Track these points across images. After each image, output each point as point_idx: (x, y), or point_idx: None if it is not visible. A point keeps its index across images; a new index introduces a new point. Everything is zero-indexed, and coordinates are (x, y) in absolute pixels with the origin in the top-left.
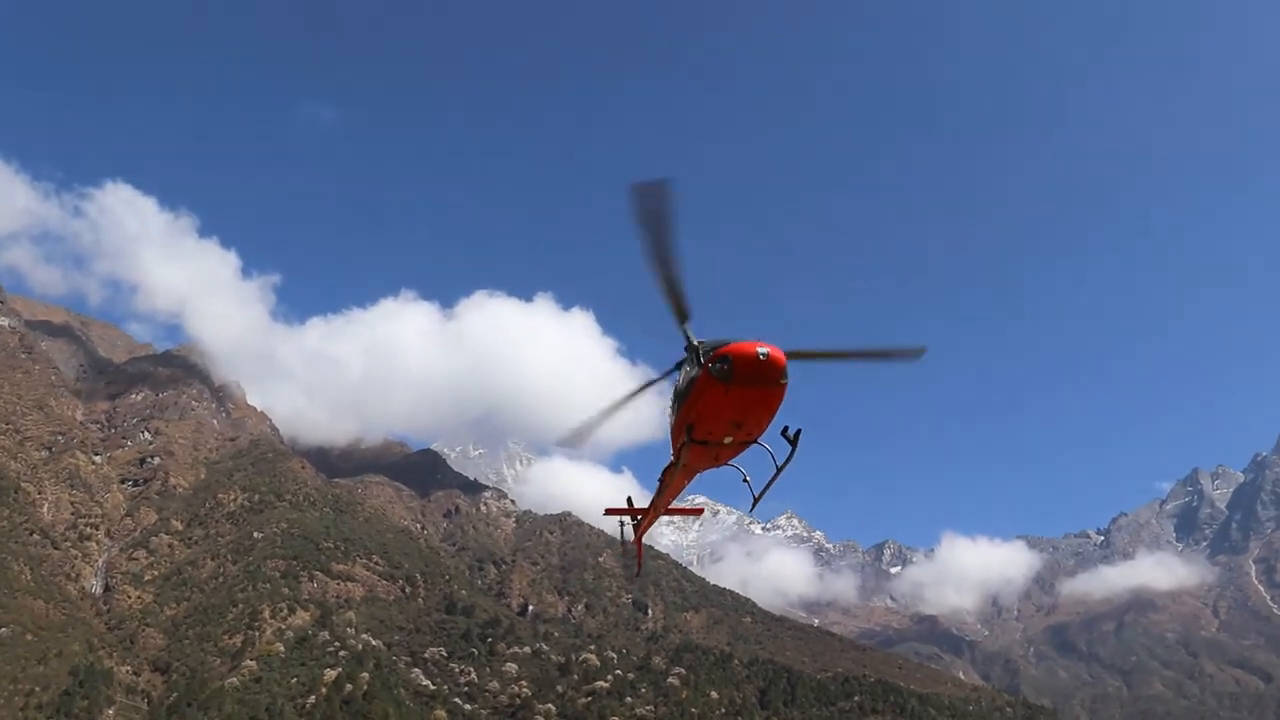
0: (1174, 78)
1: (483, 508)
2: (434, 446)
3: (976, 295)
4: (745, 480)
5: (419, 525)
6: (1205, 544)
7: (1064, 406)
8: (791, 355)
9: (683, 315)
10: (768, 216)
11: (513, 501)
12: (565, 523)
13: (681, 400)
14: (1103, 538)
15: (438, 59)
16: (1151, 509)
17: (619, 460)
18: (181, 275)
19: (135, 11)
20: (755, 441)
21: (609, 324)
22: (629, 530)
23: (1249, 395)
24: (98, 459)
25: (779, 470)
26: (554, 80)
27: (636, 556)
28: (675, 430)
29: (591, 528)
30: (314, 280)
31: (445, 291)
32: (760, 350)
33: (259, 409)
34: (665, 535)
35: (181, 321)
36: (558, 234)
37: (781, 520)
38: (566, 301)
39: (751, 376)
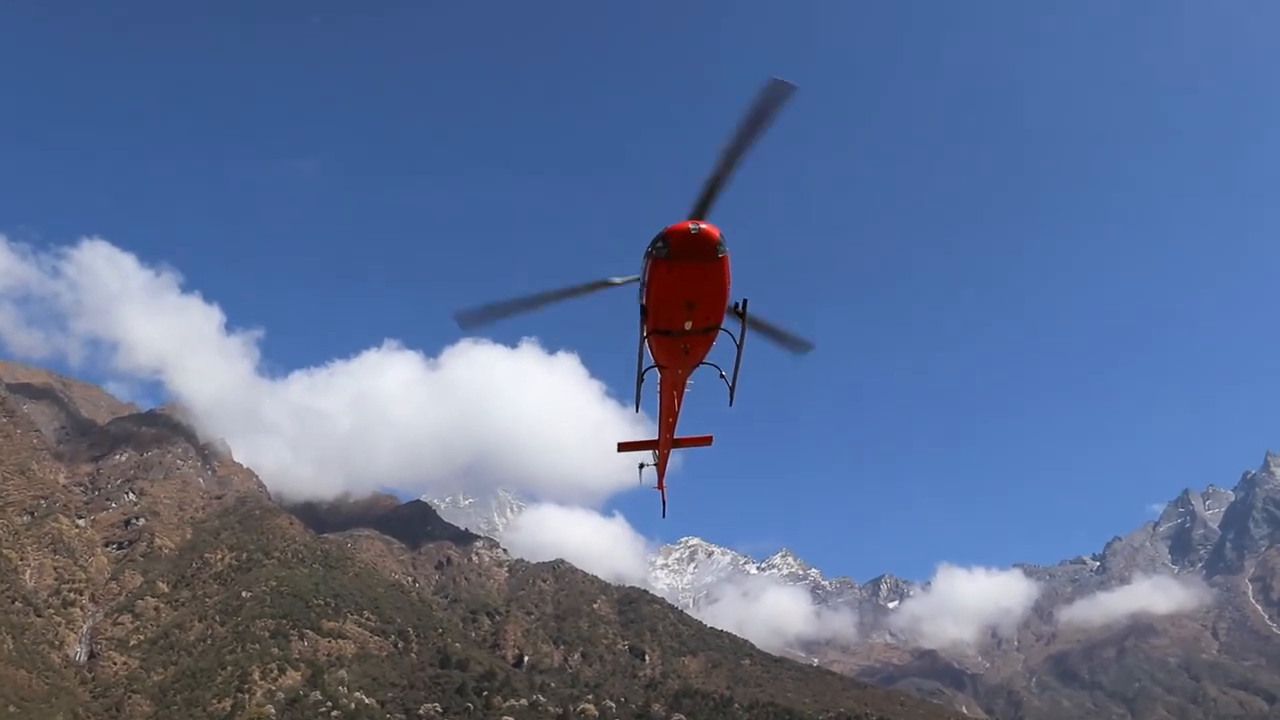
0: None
1: (474, 558)
2: (423, 498)
3: (960, 323)
4: (721, 375)
5: (410, 578)
6: (1201, 565)
7: (1051, 432)
8: (698, 206)
9: (602, 284)
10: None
11: (504, 550)
12: (558, 570)
13: (641, 296)
14: (1098, 563)
15: (417, 110)
16: (1145, 532)
17: (611, 505)
18: (163, 332)
19: (109, 68)
20: (717, 328)
21: (596, 366)
22: (650, 475)
23: (1235, 413)
24: (81, 522)
25: (739, 345)
26: (533, 135)
27: (661, 498)
28: (645, 337)
29: (585, 574)
30: (296, 333)
31: (429, 340)
32: (692, 226)
33: (245, 466)
34: (660, 579)
35: (164, 379)
36: (540, 278)
37: (776, 559)
38: (552, 345)
39: (687, 250)
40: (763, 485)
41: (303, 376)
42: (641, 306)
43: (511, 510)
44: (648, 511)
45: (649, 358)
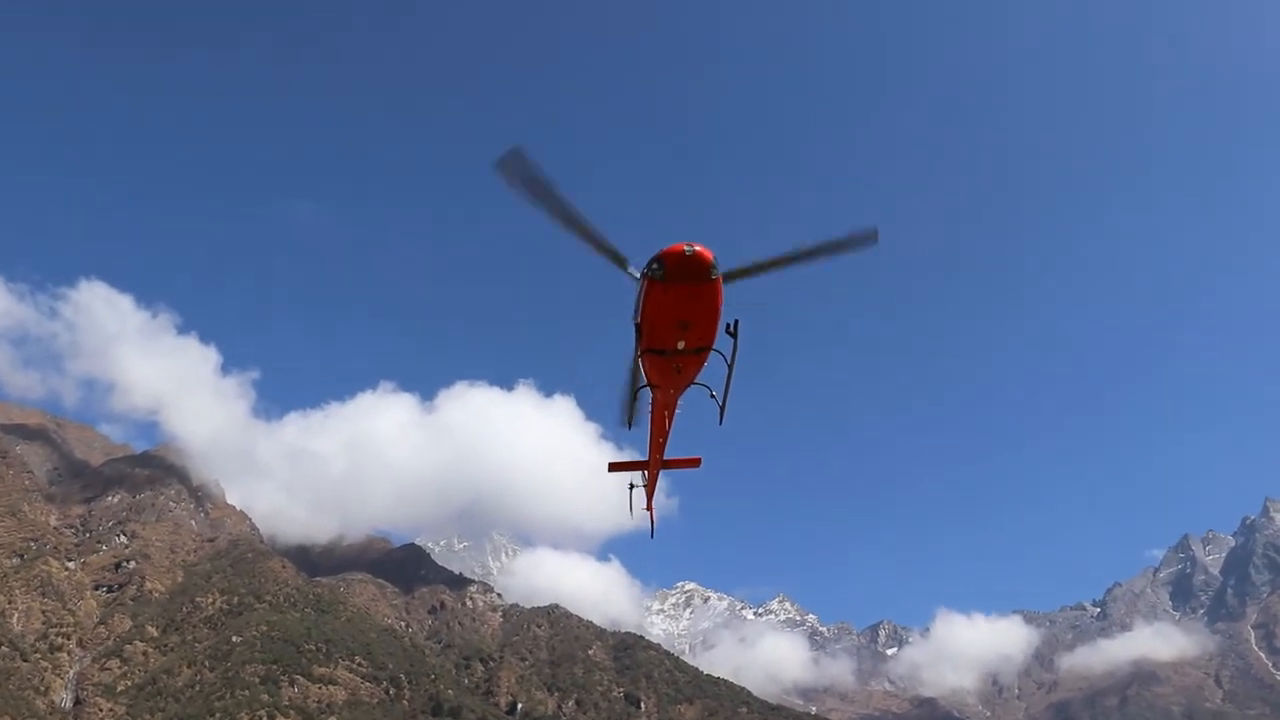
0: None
1: (468, 602)
2: (418, 541)
3: (961, 368)
4: (712, 395)
5: (403, 623)
6: (1202, 611)
7: (1050, 477)
8: (732, 275)
9: (620, 262)
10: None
11: (499, 595)
12: (553, 615)
13: (635, 317)
14: (1099, 609)
15: (415, 154)
16: (1145, 577)
17: (606, 549)
18: (159, 373)
19: (109, 110)
20: (709, 348)
21: (592, 409)
22: (639, 496)
23: (1233, 458)
24: (71, 565)
25: (730, 364)
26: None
27: (650, 519)
28: (638, 357)
29: (580, 620)
30: (293, 375)
31: (425, 383)
32: (687, 248)
33: (238, 508)
34: (656, 625)
35: (159, 420)
36: (539, 321)
37: (774, 604)
38: (548, 389)
39: (682, 272)
40: (760, 530)
41: (298, 418)
42: (636, 326)
43: (506, 554)
44: (643, 556)
45: (642, 377)
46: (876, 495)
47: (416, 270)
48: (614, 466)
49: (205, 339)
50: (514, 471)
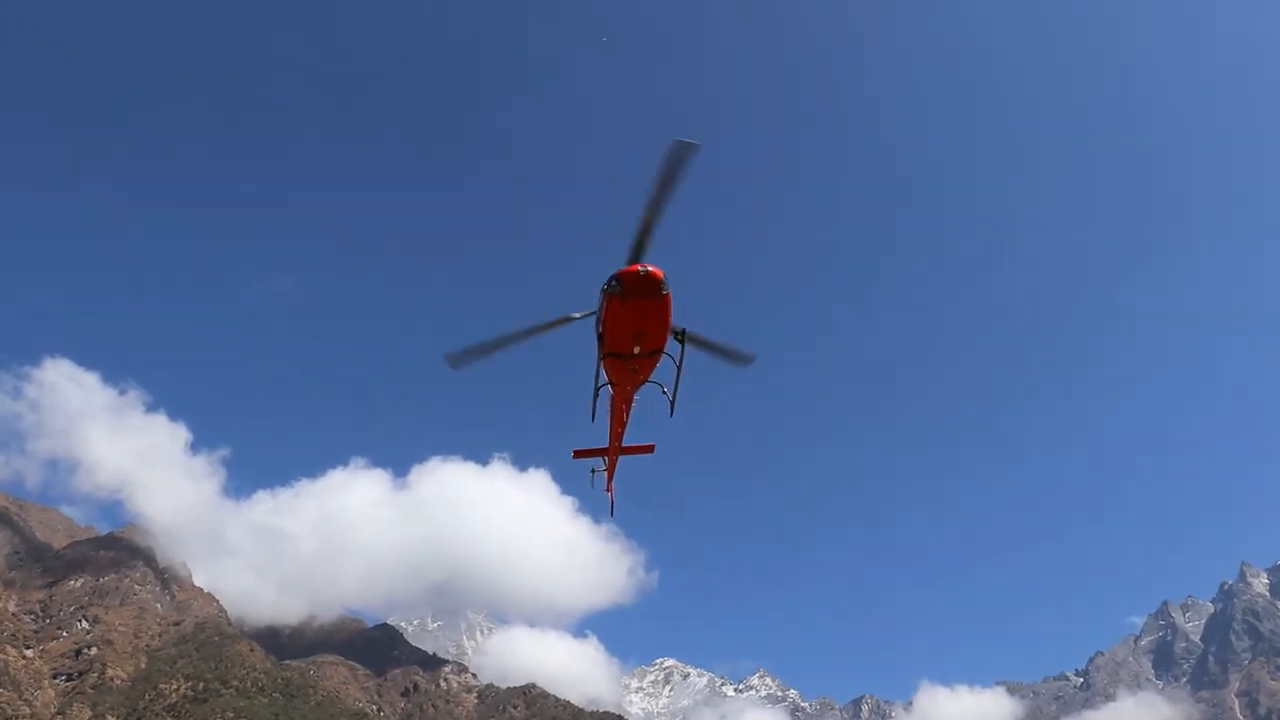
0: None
1: (443, 684)
2: (391, 620)
3: (939, 441)
4: (664, 391)
5: (375, 707)
6: (1185, 679)
7: (1029, 546)
8: (634, 249)
9: (566, 321)
10: None
11: (474, 675)
12: (530, 695)
13: (597, 326)
14: (1082, 679)
15: (387, 229)
16: (1127, 646)
17: (583, 625)
18: (126, 452)
19: (72, 186)
20: (660, 352)
21: (566, 482)
22: (600, 478)
23: (1210, 524)
24: (29, 653)
25: (678, 366)
26: (504, 254)
27: (609, 500)
28: (600, 360)
29: (557, 699)
30: (264, 452)
31: (398, 458)
32: (642, 268)
33: (205, 590)
34: (635, 703)
35: (125, 500)
36: (514, 393)
37: (754, 680)
38: (523, 462)
39: (637, 288)
40: (739, 603)
41: (267, 496)
42: (598, 334)
43: (481, 632)
44: (622, 632)
45: (603, 377)
46: (856, 567)
47: (389, 345)
48: (578, 454)
49: (175, 416)
50: (489, 547)
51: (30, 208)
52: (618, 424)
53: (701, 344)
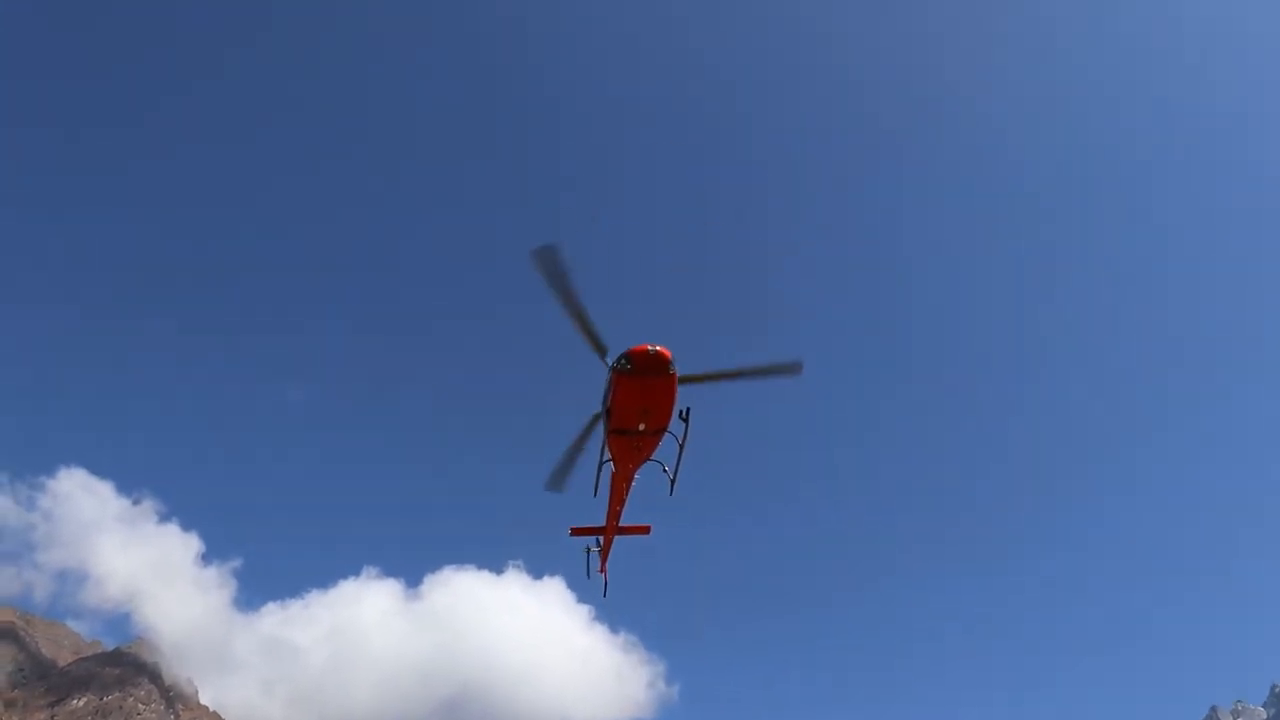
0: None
1: None
2: None
3: (970, 555)
4: (665, 470)
5: None
6: None
7: (1066, 650)
8: (685, 379)
9: (601, 351)
10: None
11: None
12: None
13: (604, 404)
14: None
15: (405, 343)
16: None
17: None
18: (136, 563)
19: (87, 296)
20: (665, 431)
21: (582, 590)
22: (594, 558)
23: (1260, 621)
24: None
25: (681, 445)
26: (517, 364)
27: (604, 580)
28: (606, 437)
29: None
30: (275, 562)
31: (410, 567)
32: (651, 348)
33: (211, 709)
34: None
35: (134, 613)
36: (529, 501)
37: None
38: (537, 570)
39: (646, 366)
40: (765, 715)
41: (277, 608)
42: (605, 410)
43: None
44: None
45: (605, 453)
46: (885, 675)
47: (405, 452)
48: (575, 531)
49: (187, 526)
50: (503, 658)
51: (45, 317)
52: (617, 502)
53: (744, 374)
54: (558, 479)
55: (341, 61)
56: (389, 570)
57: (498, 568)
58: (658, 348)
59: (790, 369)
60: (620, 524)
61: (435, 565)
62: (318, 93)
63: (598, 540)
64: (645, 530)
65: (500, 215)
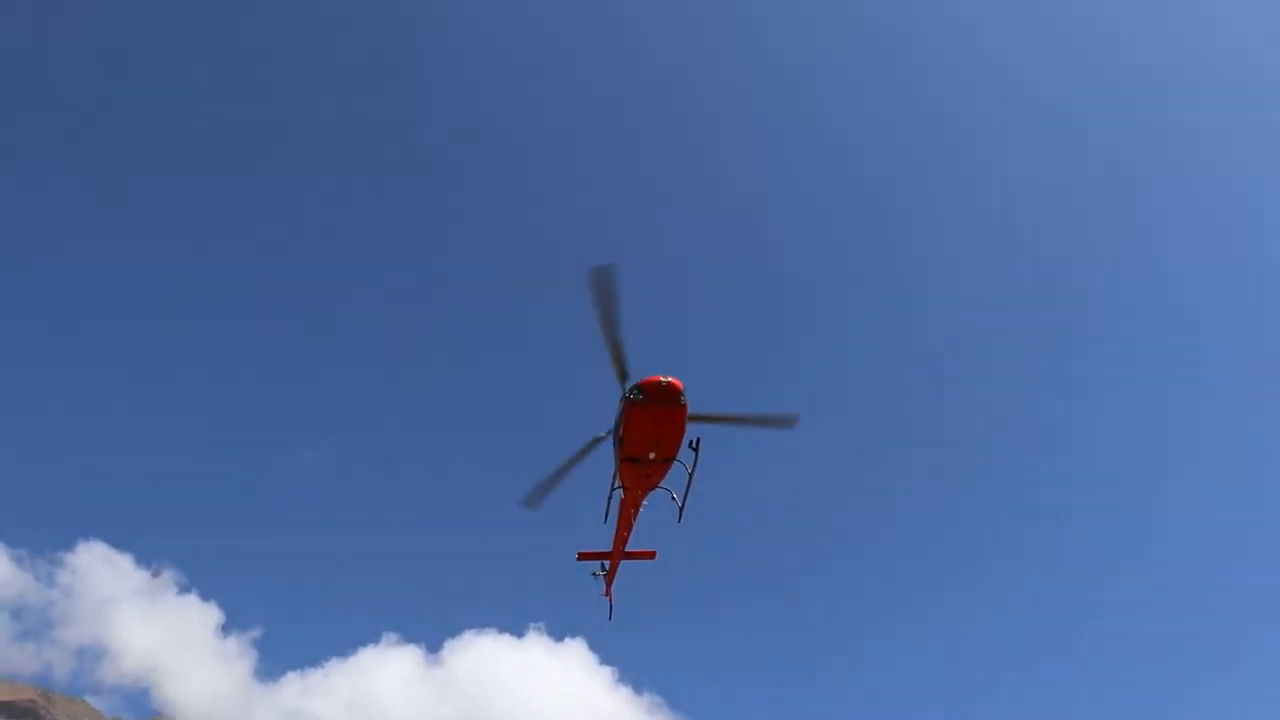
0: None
1: None
2: None
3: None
4: (673, 498)
5: None
6: None
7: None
8: (693, 418)
9: (623, 376)
10: None
11: None
12: None
13: (616, 433)
14: None
15: (424, 406)
16: None
17: None
18: (156, 636)
19: (103, 363)
20: (674, 460)
21: (605, 651)
22: (600, 580)
23: None
24: None
25: (690, 474)
26: (536, 430)
27: (609, 603)
28: (617, 465)
29: None
30: (295, 629)
31: (430, 633)
32: (663, 379)
33: None
34: None
35: (154, 687)
36: (549, 560)
37: None
38: (559, 632)
39: (659, 397)
40: None
41: (297, 678)
42: (617, 439)
43: None
44: None
45: (616, 481)
46: None
47: (426, 516)
48: (582, 556)
49: (207, 596)
50: None
51: (71, 390)
52: (624, 528)
53: (744, 420)
54: (538, 496)
55: (353, 136)
56: (409, 636)
57: (519, 630)
58: (670, 379)
59: (786, 421)
60: (626, 549)
61: (455, 629)
62: (333, 168)
63: (603, 565)
64: (651, 555)
65: (528, 264)
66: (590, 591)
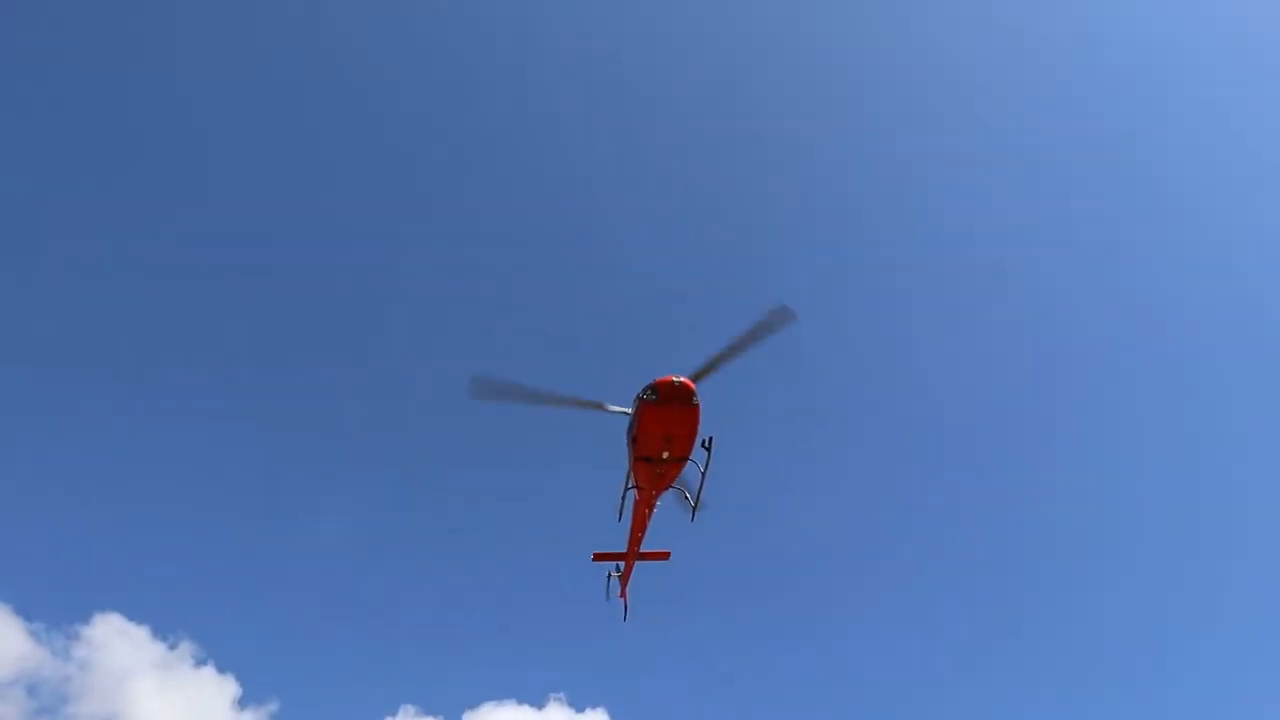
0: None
1: None
2: None
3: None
4: (686, 496)
5: None
6: None
7: None
8: (696, 376)
9: (598, 406)
10: None
11: None
12: None
13: (630, 432)
14: None
15: (439, 473)
16: None
17: None
18: (173, 710)
19: (126, 450)
20: (687, 459)
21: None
22: (614, 582)
23: None
24: None
25: (703, 473)
26: (560, 487)
27: (624, 604)
28: (631, 464)
29: None
30: (313, 699)
31: (449, 704)
32: (675, 379)
33: None
34: None
35: None
36: (568, 628)
37: None
38: (580, 702)
39: (671, 396)
40: None
41: None
42: (631, 438)
43: None
44: None
45: (630, 480)
46: None
47: (442, 586)
48: (598, 557)
49: (224, 668)
50: None
51: (75, 460)
52: (639, 528)
53: (739, 346)
54: (495, 392)
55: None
56: (428, 708)
57: (539, 701)
58: (681, 378)
59: (782, 318)
60: (641, 550)
61: (474, 701)
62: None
63: (618, 566)
64: (665, 556)
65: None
66: (599, 593)
